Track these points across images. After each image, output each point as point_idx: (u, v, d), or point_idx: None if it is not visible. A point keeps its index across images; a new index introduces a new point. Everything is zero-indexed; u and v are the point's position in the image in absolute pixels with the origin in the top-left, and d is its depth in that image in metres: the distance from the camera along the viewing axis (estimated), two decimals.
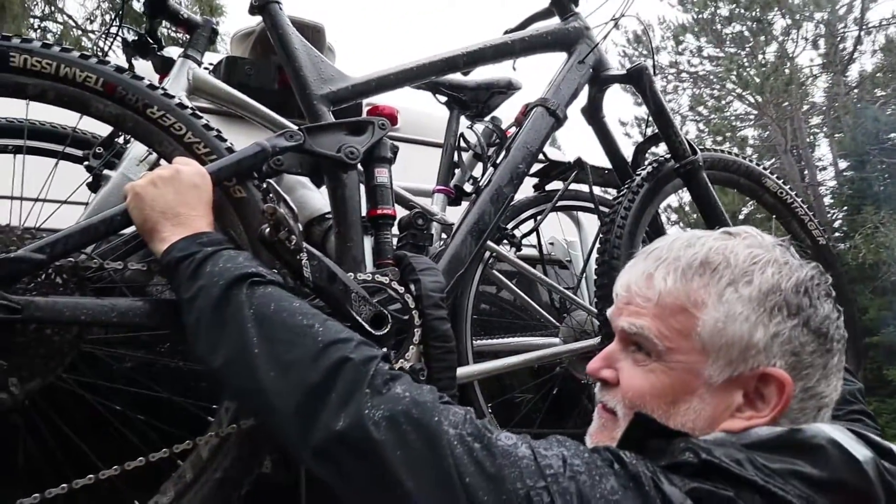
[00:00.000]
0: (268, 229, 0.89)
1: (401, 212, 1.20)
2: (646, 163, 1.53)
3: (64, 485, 0.81)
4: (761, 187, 1.61)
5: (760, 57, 15.54)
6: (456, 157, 1.64)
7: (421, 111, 2.00)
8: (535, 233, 1.65)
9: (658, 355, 0.68)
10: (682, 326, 0.67)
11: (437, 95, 1.65)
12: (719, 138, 14.90)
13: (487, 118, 1.67)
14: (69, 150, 1.31)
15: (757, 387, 0.65)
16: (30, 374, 0.84)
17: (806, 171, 15.12)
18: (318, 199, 1.26)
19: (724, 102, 16.44)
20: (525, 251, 1.65)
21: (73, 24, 8.13)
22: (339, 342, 0.69)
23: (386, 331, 0.96)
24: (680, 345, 0.67)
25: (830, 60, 14.98)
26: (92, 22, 8.19)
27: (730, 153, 1.62)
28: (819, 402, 0.67)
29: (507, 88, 1.67)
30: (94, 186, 1.27)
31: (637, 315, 0.70)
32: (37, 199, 1.06)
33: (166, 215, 0.82)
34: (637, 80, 1.49)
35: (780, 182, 1.62)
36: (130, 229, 0.97)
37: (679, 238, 0.73)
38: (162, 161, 1.00)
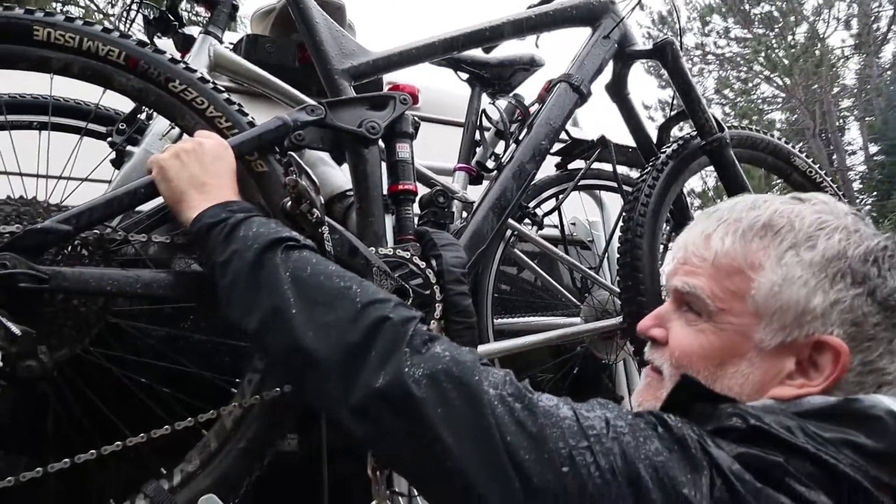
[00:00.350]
0: (289, 202, 0.89)
1: (422, 190, 1.20)
2: (671, 140, 1.50)
3: (93, 451, 0.83)
4: (790, 166, 1.57)
5: (790, 38, 15.14)
6: (478, 136, 1.62)
7: (442, 90, 1.98)
8: (557, 212, 1.63)
9: (709, 315, 0.66)
10: (736, 288, 0.65)
11: (458, 72, 1.62)
12: (746, 121, 14.59)
13: (510, 95, 1.64)
14: (92, 126, 1.32)
15: (811, 355, 0.63)
16: (58, 344, 0.86)
17: (835, 156, 14.76)
18: (339, 176, 1.25)
19: (751, 85, 16.08)
20: (547, 231, 1.63)
21: (95, 8, 8.21)
22: (377, 302, 0.68)
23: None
24: (732, 306, 0.65)
25: (863, 41, 14.53)
26: (113, 6, 8.25)
27: (758, 131, 1.59)
28: (880, 379, 0.63)
29: (530, 65, 1.65)
30: (117, 163, 1.28)
31: (692, 274, 0.68)
32: (60, 177, 1.07)
33: (193, 185, 0.83)
34: (663, 54, 1.45)
35: (809, 161, 1.58)
36: (152, 204, 0.98)
37: (743, 200, 0.71)
38: (184, 136, 1.01)
